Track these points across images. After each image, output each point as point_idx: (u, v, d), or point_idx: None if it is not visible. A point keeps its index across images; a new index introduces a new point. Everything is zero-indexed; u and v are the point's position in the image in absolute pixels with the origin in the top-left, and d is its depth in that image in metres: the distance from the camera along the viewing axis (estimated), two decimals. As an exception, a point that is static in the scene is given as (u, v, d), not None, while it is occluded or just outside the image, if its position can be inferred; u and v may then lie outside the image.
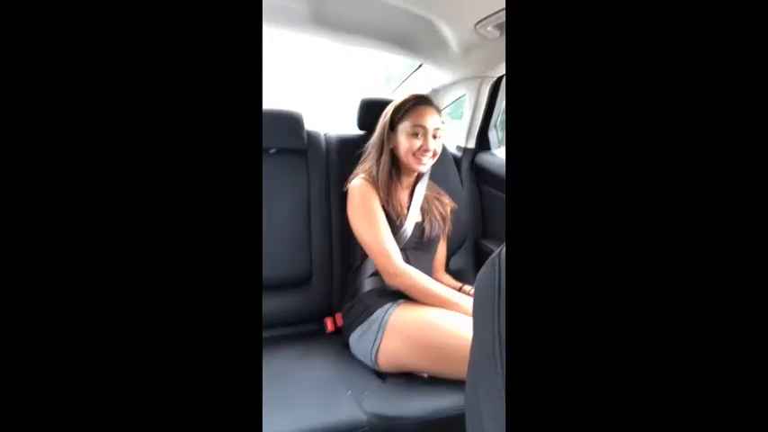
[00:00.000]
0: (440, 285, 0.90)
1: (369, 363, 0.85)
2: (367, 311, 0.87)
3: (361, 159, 1.02)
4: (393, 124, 0.97)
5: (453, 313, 0.83)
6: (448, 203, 1.05)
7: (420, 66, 1.30)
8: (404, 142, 0.95)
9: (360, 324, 0.87)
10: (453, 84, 1.24)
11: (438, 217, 1.01)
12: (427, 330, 0.80)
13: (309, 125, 1.13)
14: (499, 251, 0.36)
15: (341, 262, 1.05)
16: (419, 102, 0.97)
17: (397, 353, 0.82)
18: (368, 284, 0.93)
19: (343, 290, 1.02)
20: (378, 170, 0.95)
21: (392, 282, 0.89)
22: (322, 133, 1.15)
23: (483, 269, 0.36)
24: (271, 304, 0.94)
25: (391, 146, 0.97)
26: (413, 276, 0.88)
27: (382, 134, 0.98)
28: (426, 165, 0.96)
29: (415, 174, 0.99)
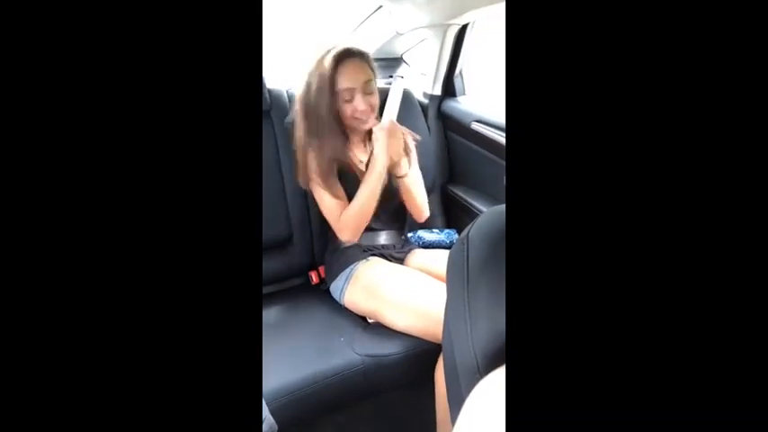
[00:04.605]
0: (361, 192, 0.90)
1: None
2: (346, 262, 0.96)
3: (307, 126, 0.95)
4: (322, 91, 0.89)
5: (404, 272, 0.91)
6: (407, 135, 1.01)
7: (380, 7, 1.24)
8: (341, 109, 0.91)
9: (337, 275, 0.97)
10: (417, 29, 1.20)
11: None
12: (379, 284, 0.89)
13: (271, 83, 1.09)
14: (468, 231, 0.42)
15: (318, 218, 1.09)
16: (339, 59, 0.88)
17: (355, 299, 0.93)
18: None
19: (323, 244, 1.08)
20: (326, 141, 0.91)
21: (345, 237, 0.94)
22: (285, 90, 1.12)
23: (454, 247, 0.43)
24: None
25: (332, 112, 0.91)
26: (347, 213, 0.91)
27: (317, 100, 0.90)
28: (370, 122, 0.93)
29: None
